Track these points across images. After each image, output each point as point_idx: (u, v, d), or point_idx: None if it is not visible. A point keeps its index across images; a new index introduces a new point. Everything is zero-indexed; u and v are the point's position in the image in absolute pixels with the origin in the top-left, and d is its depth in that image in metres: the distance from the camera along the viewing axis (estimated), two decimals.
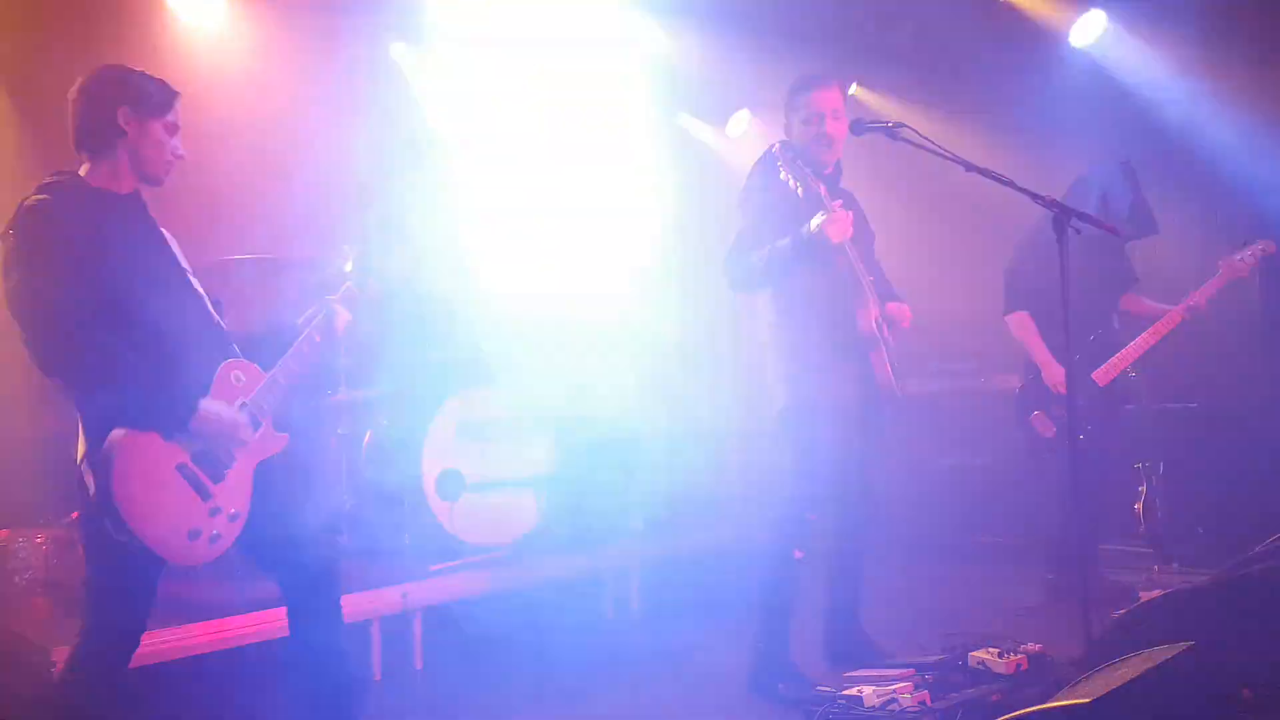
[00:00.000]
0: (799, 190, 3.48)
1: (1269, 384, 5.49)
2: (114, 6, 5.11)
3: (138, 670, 3.25)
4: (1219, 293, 4.60)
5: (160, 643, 3.47)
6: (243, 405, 2.76)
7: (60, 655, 3.21)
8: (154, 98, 2.78)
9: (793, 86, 3.79)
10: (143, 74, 2.81)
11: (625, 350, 6.02)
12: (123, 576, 2.63)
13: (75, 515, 4.47)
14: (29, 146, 4.89)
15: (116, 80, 2.77)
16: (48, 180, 2.69)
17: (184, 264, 2.88)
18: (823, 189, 3.48)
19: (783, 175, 3.52)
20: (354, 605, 3.98)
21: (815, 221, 3.45)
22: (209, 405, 2.65)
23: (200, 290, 2.89)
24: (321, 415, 5.12)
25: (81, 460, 2.59)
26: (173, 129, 2.81)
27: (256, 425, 2.78)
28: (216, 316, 2.90)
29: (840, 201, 3.54)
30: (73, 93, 2.76)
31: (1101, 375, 4.56)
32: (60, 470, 4.60)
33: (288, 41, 5.41)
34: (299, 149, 5.29)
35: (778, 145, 3.65)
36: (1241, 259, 4.58)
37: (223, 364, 2.76)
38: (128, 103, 2.73)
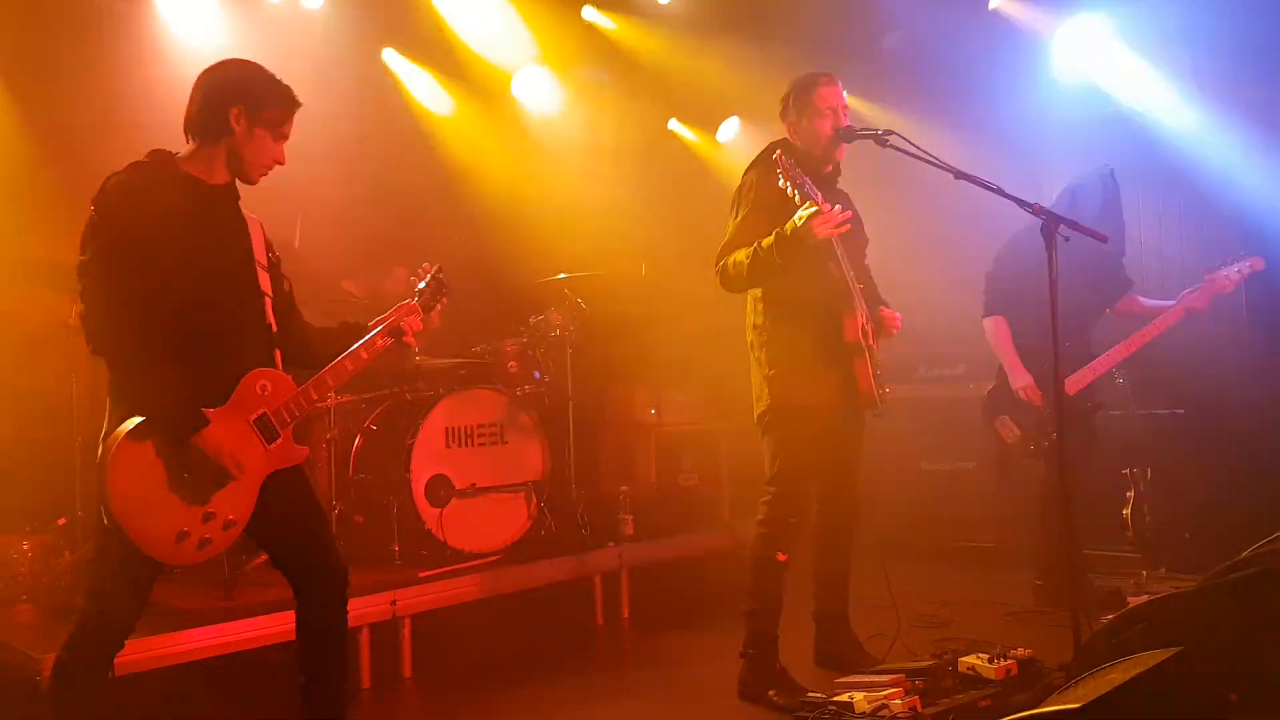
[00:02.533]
0: (795, 198, 3.45)
1: (1256, 390, 5.52)
2: (104, 12, 5.11)
3: (132, 677, 3.26)
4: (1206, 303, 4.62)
5: (152, 650, 3.45)
6: (261, 417, 2.74)
7: (48, 662, 3.20)
8: (269, 105, 2.77)
9: (802, 84, 3.76)
10: (269, 78, 2.81)
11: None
12: (119, 561, 2.63)
13: (62, 521, 4.48)
14: (30, 144, 4.89)
15: (238, 78, 2.78)
16: (141, 158, 2.73)
17: (262, 258, 2.87)
18: (819, 196, 3.44)
19: (781, 183, 3.49)
20: None
21: (800, 215, 3.39)
22: (211, 433, 2.62)
23: (267, 288, 2.87)
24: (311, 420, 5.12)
25: (103, 437, 2.61)
26: (280, 136, 2.82)
27: (273, 437, 2.76)
28: (272, 318, 2.87)
29: (834, 204, 3.49)
30: (199, 78, 2.77)
31: (1072, 384, 4.57)
32: (47, 477, 4.63)
33: (279, 47, 5.41)
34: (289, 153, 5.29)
35: (779, 150, 3.61)
36: (1228, 275, 4.59)
37: (251, 373, 2.74)
38: (242, 103, 2.73)
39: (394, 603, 4.13)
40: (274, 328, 2.88)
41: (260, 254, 2.89)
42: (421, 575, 4.37)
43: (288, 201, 5.41)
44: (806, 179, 3.45)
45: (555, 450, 5.28)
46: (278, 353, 2.87)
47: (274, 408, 2.77)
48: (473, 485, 4.87)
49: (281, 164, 2.85)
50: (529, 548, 4.96)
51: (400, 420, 4.95)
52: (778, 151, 3.57)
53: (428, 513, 4.69)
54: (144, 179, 2.68)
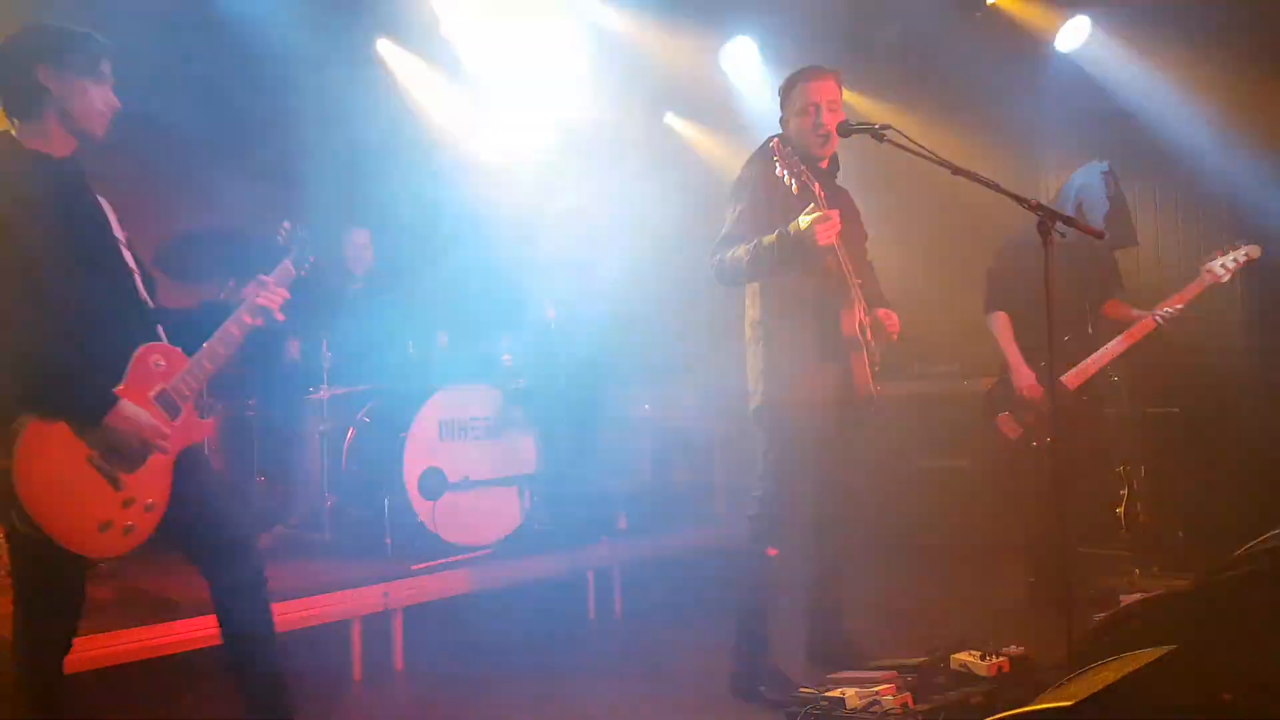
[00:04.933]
0: (793, 186, 3.43)
1: (1250, 388, 5.53)
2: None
3: (125, 667, 3.25)
4: (1197, 298, 4.60)
5: (144, 640, 3.43)
6: (161, 393, 2.64)
7: None
8: (71, 50, 2.62)
9: (788, 79, 3.75)
10: (63, 28, 2.66)
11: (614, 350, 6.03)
12: (42, 570, 2.56)
13: None
14: None
15: (32, 37, 2.63)
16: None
17: (118, 234, 2.75)
18: (818, 187, 3.42)
19: (779, 171, 3.45)
20: (334, 604, 3.96)
21: (804, 220, 3.37)
22: (125, 407, 2.52)
23: (132, 264, 2.74)
24: (304, 412, 5.10)
25: None
26: (100, 79, 2.66)
27: (175, 412, 2.66)
28: (145, 294, 2.75)
29: (832, 197, 3.47)
30: None
31: (1072, 379, 4.58)
32: None
33: (276, 36, 5.38)
34: (289, 143, 5.28)
35: (775, 140, 3.58)
36: (1223, 265, 4.57)
37: (141, 348, 2.63)
38: (46, 60, 2.59)
39: (386, 595, 4.12)
40: (149, 303, 2.76)
41: (117, 229, 2.75)
42: (414, 568, 4.36)
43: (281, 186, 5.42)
44: (803, 168, 3.43)
45: (549, 445, 5.27)
46: (160, 328, 2.76)
47: (171, 382, 2.67)
48: (466, 478, 4.86)
49: (116, 107, 2.69)
50: (522, 542, 4.95)
51: (393, 413, 4.94)
52: (774, 139, 3.55)
53: (420, 505, 4.67)
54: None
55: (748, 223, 3.60)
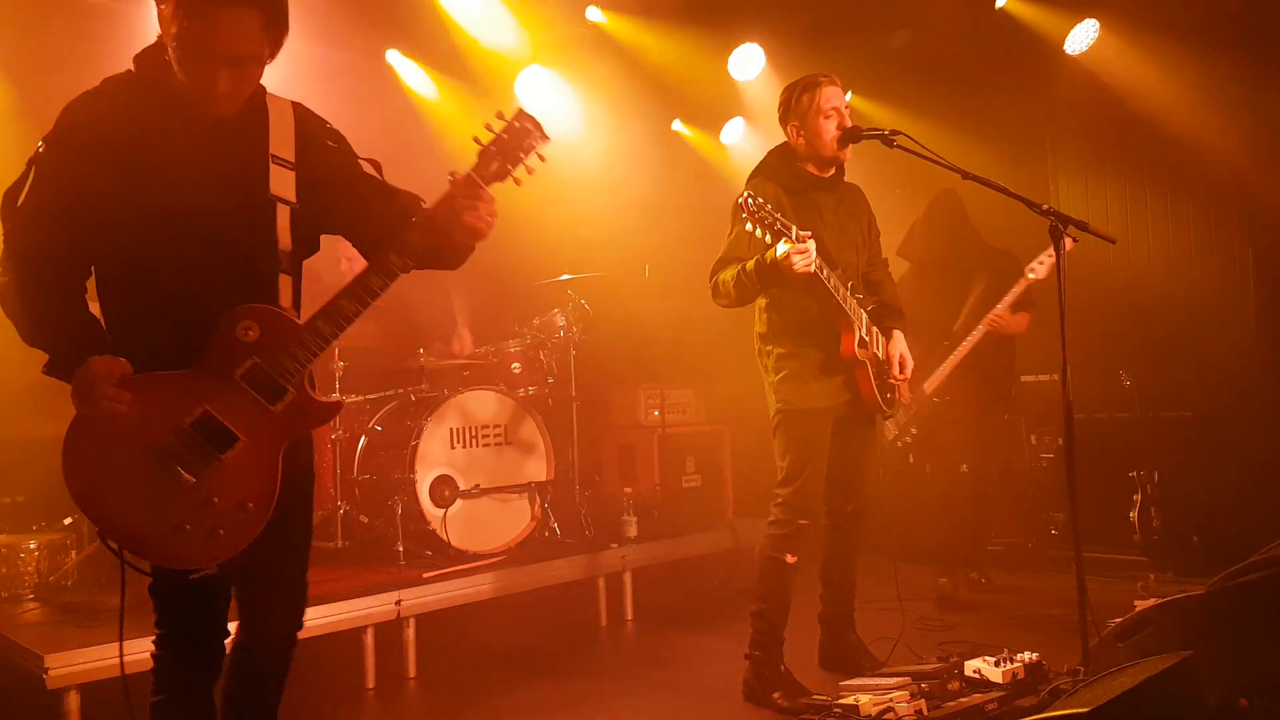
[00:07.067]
0: (766, 238, 3.33)
1: (1264, 392, 5.51)
2: (102, 11, 5.11)
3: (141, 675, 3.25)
4: (1019, 298, 4.75)
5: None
6: (251, 369, 2.08)
7: (54, 661, 3.21)
8: None
9: (803, 85, 3.70)
10: None
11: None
12: (158, 571, 2.16)
13: (69, 521, 4.48)
14: (33, 137, 4.87)
15: None
16: (126, 70, 2.16)
17: (285, 153, 2.20)
18: (792, 230, 3.31)
19: (749, 226, 3.33)
20: (347, 612, 3.97)
21: (781, 249, 3.32)
22: (93, 363, 2.00)
23: (284, 193, 2.16)
24: None
25: None
26: (198, 16, 2.02)
27: (278, 394, 2.10)
28: (284, 233, 2.17)
29: (810, 234, 3.36)
30: None
31: (929, 384, 4.95)
32: (54, 476, 4.62)
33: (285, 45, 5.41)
34: None
35: (744, 198, 3.34)
36: (1041, 261, 4.64)
37: (225, 315, 2.07)
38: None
39: (398, 603, 4.12)
40: (284, 244, 2.17)
41: (282, 148, 2.19)
42: (425, 576, 4.37)
43: None
44: (777, 216, 3.33)
45: (559, 451, 5.27)
46: (285, 280, 2.18)
47: (269, 355, 2.09)
48: (477, 486, 4.86)
49: (231, 56, 2.06)
50: (533, 548, 4.96)
51: (405, 421, 4.95)
52: (745, 194, 3.35)
53: (432, 513, 4.69)
54: (110, 99, 2.12)
55: (743, 246, 3.58)
